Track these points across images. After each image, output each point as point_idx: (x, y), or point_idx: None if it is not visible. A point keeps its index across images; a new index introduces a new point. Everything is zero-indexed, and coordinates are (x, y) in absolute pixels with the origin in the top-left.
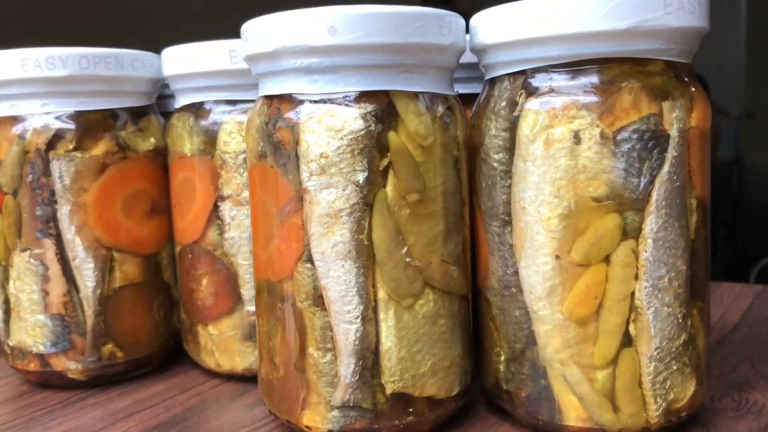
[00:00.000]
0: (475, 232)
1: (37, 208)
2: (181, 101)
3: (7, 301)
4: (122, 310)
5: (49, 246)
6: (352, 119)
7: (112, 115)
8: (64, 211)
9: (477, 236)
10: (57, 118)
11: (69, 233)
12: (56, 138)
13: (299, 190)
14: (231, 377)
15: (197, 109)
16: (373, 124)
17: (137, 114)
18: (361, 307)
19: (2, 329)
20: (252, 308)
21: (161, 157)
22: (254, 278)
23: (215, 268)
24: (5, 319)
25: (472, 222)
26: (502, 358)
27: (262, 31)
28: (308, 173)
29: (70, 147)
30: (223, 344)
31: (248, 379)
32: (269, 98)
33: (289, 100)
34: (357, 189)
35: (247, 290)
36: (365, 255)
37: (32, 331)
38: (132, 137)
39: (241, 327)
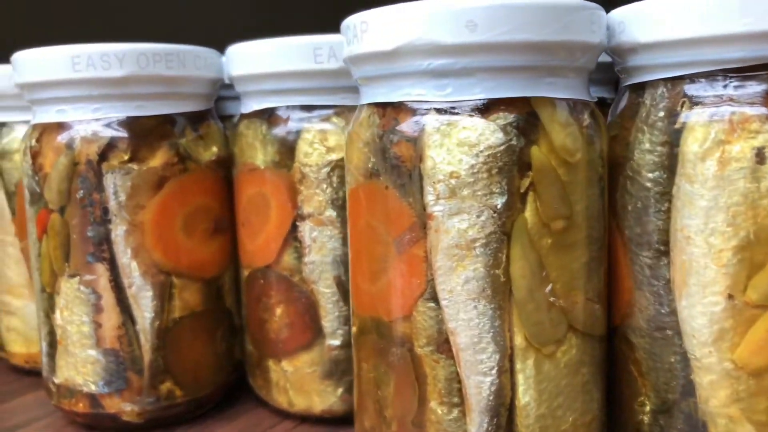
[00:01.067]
0: (613, 261)
1: (88, 228)
2: (250, 106)
3: (52, 333)
4: (183, 344)
5: (101, 271)
6: (490, 132)
7: (167, 120)
8: (119, 231)
9: (616, 267)
10: (109, 125)
11: (124, 257)
12: (109, 148)
13: (422, 215)
14: (306, 418)
15: (269, 116)
16: (514, 138)
17: (196, 119)
18: (497, 356)
19: (46, 364)
20: (335, 342)
21: (223, 169)
22: (354, 314)
23: (292, 296)
24: (50, 352)
25: (610, 250)
26: (648, 408)
27: (380, 27)
28: (434, 196)
29: (125, 158)
30: (298, 382)
31: (326, 421)
32: (381, 106)
33: (408, 109)
34: (494, 215)
35: (330, 322)
36: (501, 294)
37: (82, 367)
38: (193, 146)
39: (320, 363)
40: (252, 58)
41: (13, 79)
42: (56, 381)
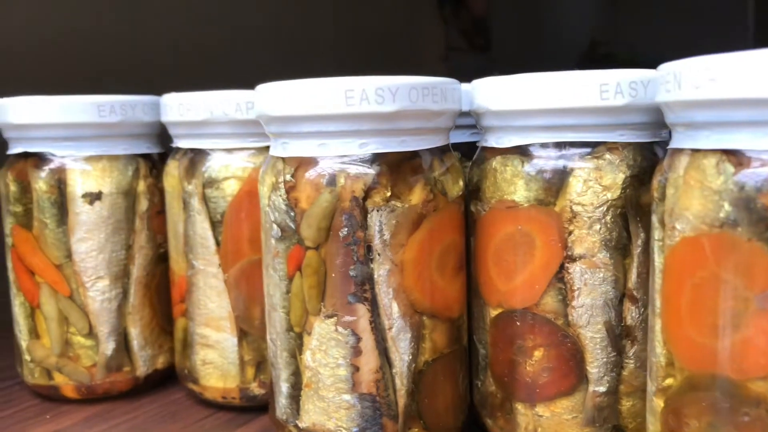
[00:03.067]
0: None
1: (351, 268)
2: (502, 141)
3: (296, 375)
4: (434, 387)
5: (362, 312)
6: None
7: (415, 155)
8: (381, 271)
9: None
10: (373, 161)
11: (386, 297)
12: (372, 184)
13: None
14: None
15: (524, 152)
16: None
17: (440, 153)
18: None
19: (285, 406)
20: (600, 389)
21: (464, 204)
22: (676, 367)
23: (555, 340)
24: (292, 395)
25: None
26: None
27: (733, 75)
28: None
29: (387, 195)
30: (554, 427)
31: None
32: (727, 153)
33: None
34: None
35: (596, 368)
36: None
37: (335, 413)
38: (444, 181)
39: (583, 410)
40: (516, 92)
41: (259, 110)
42: (301, 425)
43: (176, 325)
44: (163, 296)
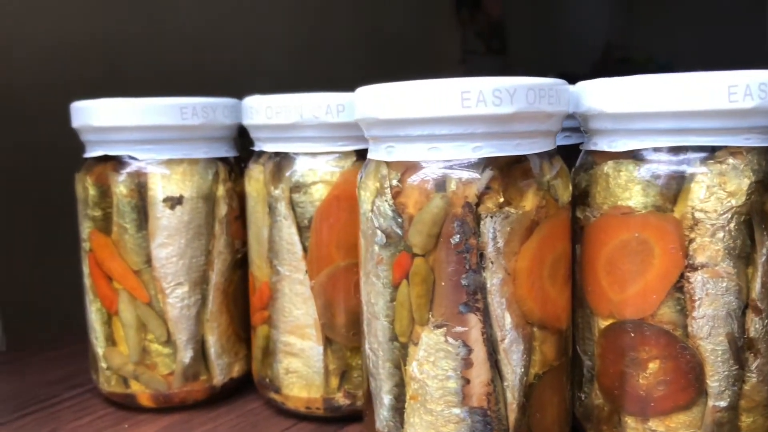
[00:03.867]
0: None
1: (462, 276)
2: (616, 145)
3: (400, 386)
4: (543, 401)
5: (474, 323)
6: None
7: (523, 158)
8: (495, 280)
9: None
10: (485, 165)
11: (499, 307)
12: (485, 190)
13: None
14: None
15: (639, 156)
16: None
17: (548, 156)
18: None
19: (387, 418)
20: (721, 404)
21: (571, 211)
22: None
23: (673, 352)
24: (396, 407)
25: None
26: None
27: None
28: None
29: (500, 200)
30: None
31: None
32: None
33: None
34: None
35: (717, 382)
36: None
37: (444, 427)
38: (556, 186)
39: (701, 425)
40: (636, 94)
41: (363, 113)
42: None
43: (256, 332)
44: (239, 303)
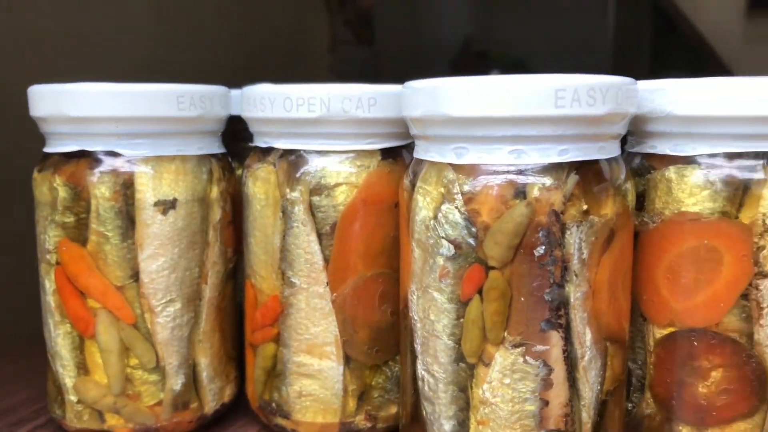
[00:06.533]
0: None
1: (546, 291)
2: (682, 149)
3: (464, 410)
4: (613, 418)
5: (556, 341)
6: None
7: (594, 162)
8: (578, 294)
9: None
10: (569, 169)
11: (581, 323)
12: (570, 196)
13: None
14: None
15: (703, 161)
16: None
17: (615, 161)
18: None
19: None
20: None
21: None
22: None
23: (738, 360)
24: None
25: None
26: None
27: None
28: None
29: (584, 208)
30: None
31: None
32: None
33: None
34: None
35: None
36: None
37: None
38: (627, 191)
39: None
40: (712, 97)
41: (429, 110)
42: None
43: (259, 352)
44: (231, 319)
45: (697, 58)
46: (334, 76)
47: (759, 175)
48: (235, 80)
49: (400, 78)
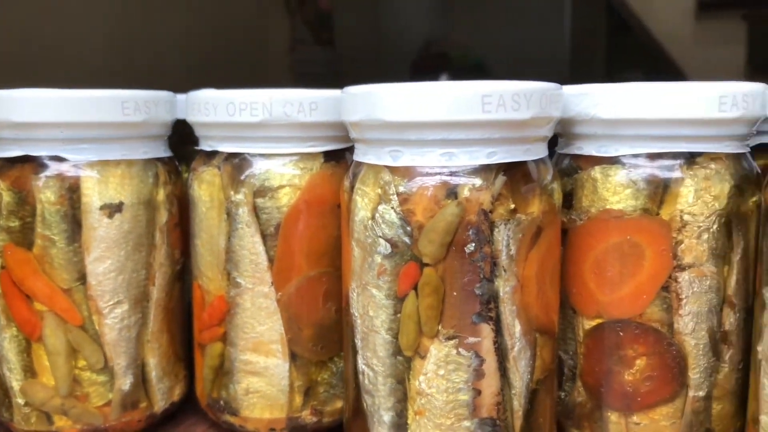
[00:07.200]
0: None
1: (476, 286)
2: (606, 150)
3: (402, 402)
4: (542, 405)
5: (486, 333)
6: None
7: (522, 163)
8: (507, 288)
9: None
10: (496, 171)
11: (510, 315)
12: (497, 196)
13: None
14: None
15: (626, 161)
16: None
17: (542, 162)
18: None
19: None
20: (699, 394)
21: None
22: None
23: (660, 348)
24: (398, 423)
25: None
26: None
27: None
28: None
29: (511, 207)
30: None
31: None
32: None
33: None
34: None
35: (697, 374)
36: None
37: None
38: (553, 191)
39: (681, 416)
40: (637, 101)
41: (365, 114)
42: None
43: (206, 351)
44: (179, 319)
45: (651, 60)
46: (295, 77)
47: (677, 174)
48: (194, 83)
49: (360, 79)
